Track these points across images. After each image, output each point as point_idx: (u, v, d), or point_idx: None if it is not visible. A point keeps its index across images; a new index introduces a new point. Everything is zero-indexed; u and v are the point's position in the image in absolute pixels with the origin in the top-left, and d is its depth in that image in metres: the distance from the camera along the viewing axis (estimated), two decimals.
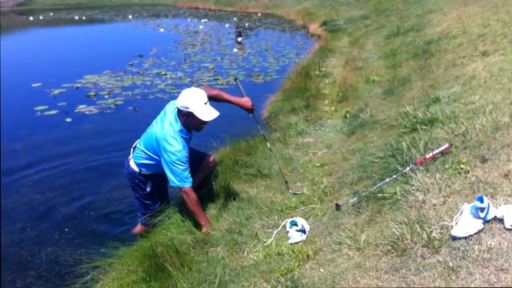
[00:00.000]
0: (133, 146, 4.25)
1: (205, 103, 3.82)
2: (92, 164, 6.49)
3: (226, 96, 4.30)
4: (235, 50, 12.77)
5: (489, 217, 2.70)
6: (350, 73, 8.16)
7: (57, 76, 11.87)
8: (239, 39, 14.48)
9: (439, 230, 2.76)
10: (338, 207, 3.67)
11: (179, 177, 3.81)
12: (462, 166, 3.40)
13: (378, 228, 3.11)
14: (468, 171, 3.35)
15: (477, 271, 2.29)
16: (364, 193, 3.60)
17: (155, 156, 3.98)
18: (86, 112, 8.82)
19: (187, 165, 3.86)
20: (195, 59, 12.00)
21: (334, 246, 3.16)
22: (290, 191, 4.33)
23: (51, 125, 8.26)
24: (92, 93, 10.14)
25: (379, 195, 3.45)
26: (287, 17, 17.73)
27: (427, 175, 3.47)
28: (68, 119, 8.50)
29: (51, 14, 38.17)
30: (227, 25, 17.14)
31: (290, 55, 11.85)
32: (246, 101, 4.35)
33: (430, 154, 3.69)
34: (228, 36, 15.11)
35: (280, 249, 3.37)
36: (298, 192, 4.28)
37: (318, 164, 4.70)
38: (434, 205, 3.08)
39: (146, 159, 4.06)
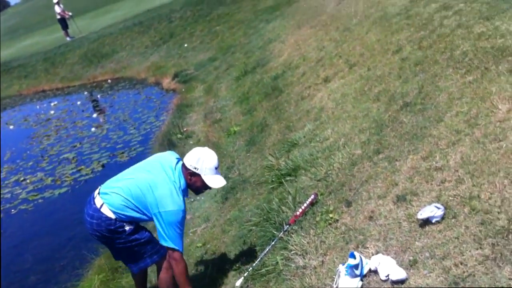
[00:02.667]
0: (97, 192, 3.50)
1: (216, 168, 3.48)
2: None
3: None
4: (93, 129, 12.28)
5: (365, 271, 2.77)
6: (211, 128, 8.18)
7: None
8: (95, 115, 13.99)
9: None
10: None
11: (174, 240, 3.31)
12: (330, 215, 3.52)
13: None
14: (337, 220, 3.46)
15: None
16: (248, 272, 3.55)
17: (141, 209, 3.38)
18: None
19: (183, 230, 3.41)
20: (53, 152, 11.27)
21: None
22: None
23: None
24: None
25: (263, 270, 3.43)
26: (138, 76, 17.38)
27: (302, 233, 3.52)
28: None
29: None
30: (78, 103, 16.47)
31: (150, 119, 11.62)
32: None
33: (300, 210, 3.76)
34: (82, 114, 14.48)
35: None
36: None
37: (200, 244, 4.58)
38: (315, 267, 3.12)
39: (129, 207, 3.38)
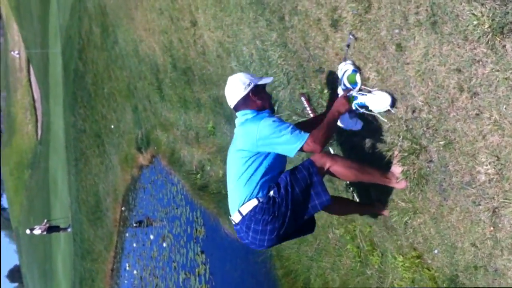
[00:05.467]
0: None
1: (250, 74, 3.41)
2: None
3: None
4: None
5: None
6: None
7: None
8: None
9: None
10: None
11: (294, 138, 2.97)
12: None
13: None
14: None
15: None
16: None
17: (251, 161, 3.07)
18: None
19: (289, 123, 3.09)
20: None
21: None
22: None
23: None
24: None
25: None
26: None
27: None
28: None
29: None
30: None
31: None
32: None
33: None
34: None
35: None
36: None
37: None
38: None
39: (255, 182, 3.04)
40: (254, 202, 3.01)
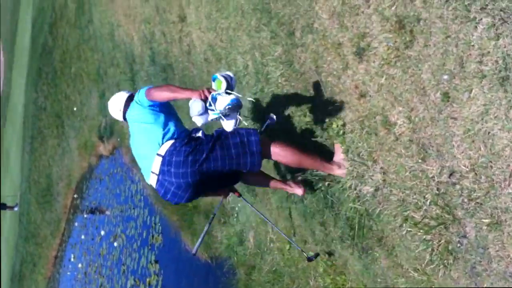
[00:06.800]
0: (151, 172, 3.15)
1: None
2: None
3: None
4: None
5: None
6: None
7: None
8: None
9: None
10: None
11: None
12: None
13: None
14: None
15: None
16: None
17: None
18: None
19: None
20: None
21: None
22: None
23: None
24: None
25: None
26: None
27: None
28: None
29: None
30: None
31: None
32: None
33: None
34: None
35: None
36: None
37: None
38: None
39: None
40: (171, 141, 3.06)
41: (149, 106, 3.14)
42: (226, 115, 2.75)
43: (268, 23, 3.92)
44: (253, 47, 4.20)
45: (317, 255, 3.61)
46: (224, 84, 2.83)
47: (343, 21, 3.03)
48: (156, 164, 3.04)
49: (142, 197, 9.21)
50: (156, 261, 8.16)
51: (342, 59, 3.09)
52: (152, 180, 3.13)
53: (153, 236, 8.40)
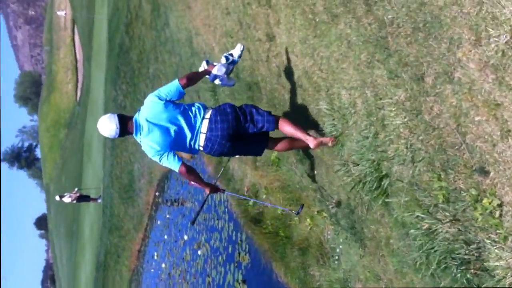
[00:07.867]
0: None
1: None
2: None
3: None
4: None
5: None
6: None
7: None
8: None
9: None
10: None
11: None
12: None
13: None
14: None
15: None
16: None
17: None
18: None
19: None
20: None
21: None
22: None
23: None
24: None
25: None
26: None
27: None
28: None
29: None
30: None
31: None
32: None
33: None
34: None
35: None
36: None
37: None
38: None
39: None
40: (211, 109, 4.06)
41: (168, 101, 3.93)
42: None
43: (384, 60, 3.23)
44: (364, 84, 3.54)
45: None
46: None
47: (503, 78, 2.31)
48: (204, 126, 3.93)
49: (226, 209, 8.86)
50: (243, 281, 7.77)
51: (501, 124, 2.38)
52: (201, 140, 3.95)
53: (239, 253, 8.01)
